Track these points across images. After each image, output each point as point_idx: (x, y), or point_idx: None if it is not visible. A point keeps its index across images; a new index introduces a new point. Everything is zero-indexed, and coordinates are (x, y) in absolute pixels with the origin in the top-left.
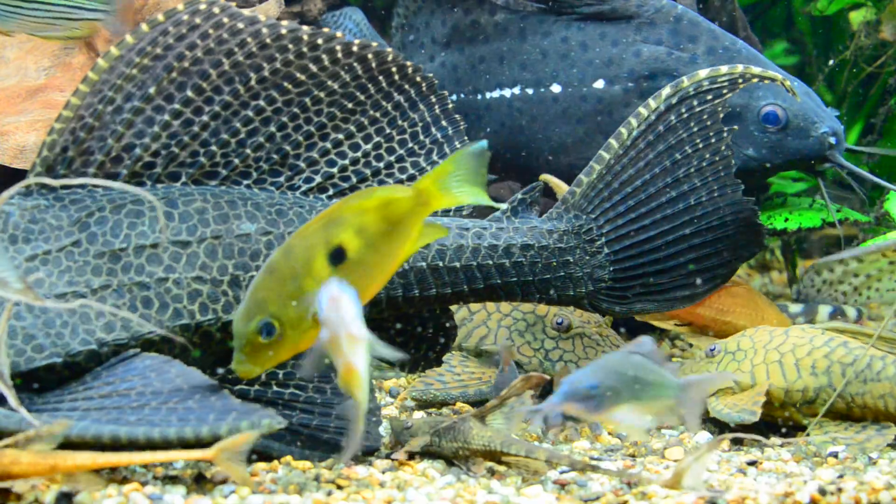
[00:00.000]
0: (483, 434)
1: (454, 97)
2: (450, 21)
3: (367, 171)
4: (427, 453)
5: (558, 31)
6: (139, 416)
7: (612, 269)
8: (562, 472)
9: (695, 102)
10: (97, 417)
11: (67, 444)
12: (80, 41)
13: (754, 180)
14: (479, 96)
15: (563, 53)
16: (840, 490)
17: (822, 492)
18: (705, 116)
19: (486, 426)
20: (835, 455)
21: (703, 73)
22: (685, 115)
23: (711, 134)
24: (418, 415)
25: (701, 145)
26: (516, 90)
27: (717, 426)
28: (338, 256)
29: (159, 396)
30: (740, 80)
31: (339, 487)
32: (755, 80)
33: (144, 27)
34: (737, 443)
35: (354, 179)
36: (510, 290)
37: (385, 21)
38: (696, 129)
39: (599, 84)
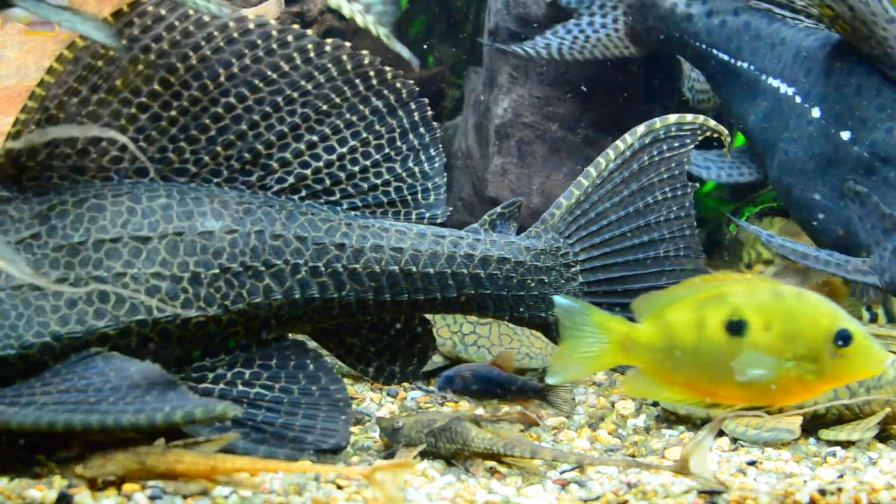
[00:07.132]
0: (483, 436)
1: None
2: None
3: (342, 175)
4: (426, 453)
5: None
6: (96, 409)
7: (585, 299)
8: (562, 472)
9: (664, 147)
10: (54, 410)
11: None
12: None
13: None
14: None
15: None
16: (840, 490)
17: (822, 492)
18: (673, 164)
19: (483, 427)
20: (833, 454)
21: (672, 117)
22: (656, 159)
23: (678, 186)
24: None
25: (669, 194)
26: None
27: (734, 442)
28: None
29: (118, 392)
30: (698, 132)
31: (339, 487)
32: (710, 133)
33: (109, 17)
34: (737, 442)
35: (328, 182)
36: (483, 302)
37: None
38: (665, 177)
39: None
